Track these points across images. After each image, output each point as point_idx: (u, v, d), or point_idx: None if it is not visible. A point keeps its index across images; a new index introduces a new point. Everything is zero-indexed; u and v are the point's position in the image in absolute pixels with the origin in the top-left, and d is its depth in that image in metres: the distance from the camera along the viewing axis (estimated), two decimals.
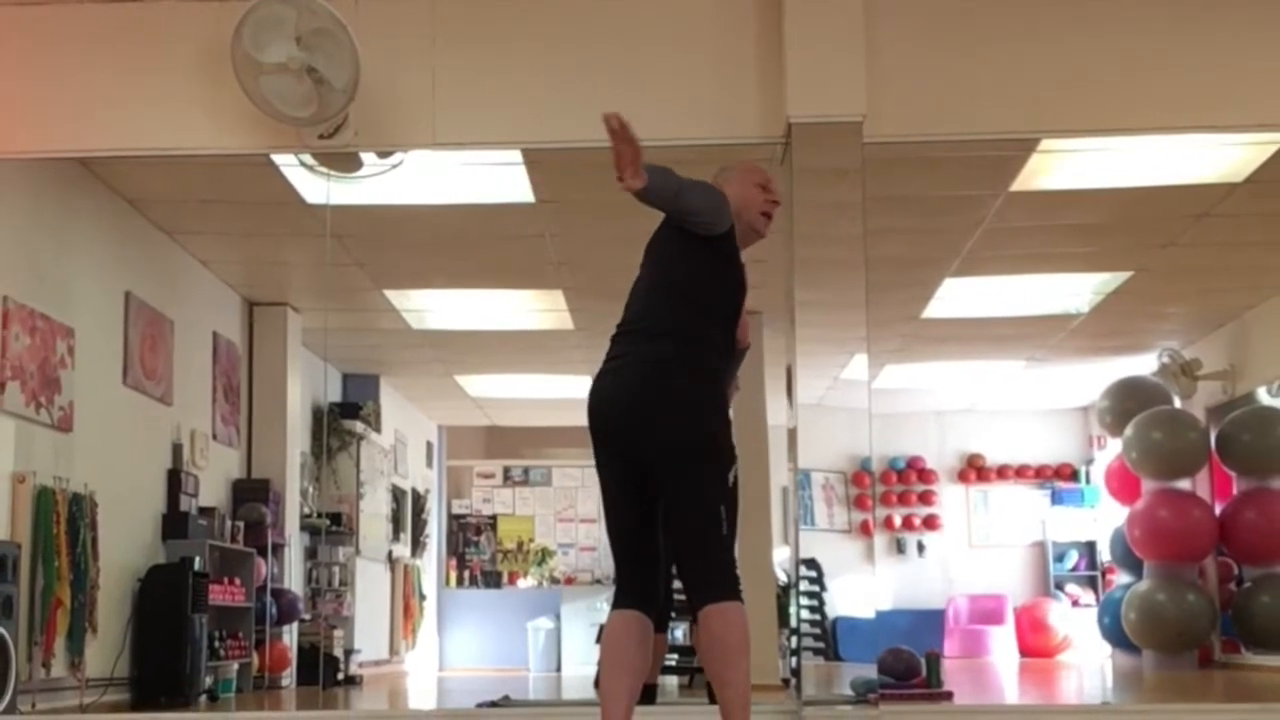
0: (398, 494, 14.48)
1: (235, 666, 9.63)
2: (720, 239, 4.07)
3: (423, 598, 15.24)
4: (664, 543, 4.00)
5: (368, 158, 6.86)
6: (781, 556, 11.20)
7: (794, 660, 6.46)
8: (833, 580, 14.20)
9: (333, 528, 12.00)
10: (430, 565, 15.95)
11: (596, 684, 11.06)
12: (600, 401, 4.02)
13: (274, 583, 10.38)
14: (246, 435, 10.90)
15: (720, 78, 6.23)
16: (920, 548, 16.10)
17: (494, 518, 17.34)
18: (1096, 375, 13.23)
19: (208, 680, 8.98)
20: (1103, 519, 14.78)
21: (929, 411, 15.89)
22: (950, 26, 6.25)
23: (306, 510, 11.70)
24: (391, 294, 10.61)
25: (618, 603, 3.92)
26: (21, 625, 6.85)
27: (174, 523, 9.15)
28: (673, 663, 10.37)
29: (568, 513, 17.23)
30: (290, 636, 10.79)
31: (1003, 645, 14.99)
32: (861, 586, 14.84)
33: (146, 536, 8.96)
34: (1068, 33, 6.22)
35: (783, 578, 10.99)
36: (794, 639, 7.15)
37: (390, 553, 14.10)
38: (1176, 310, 11.68)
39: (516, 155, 7.51)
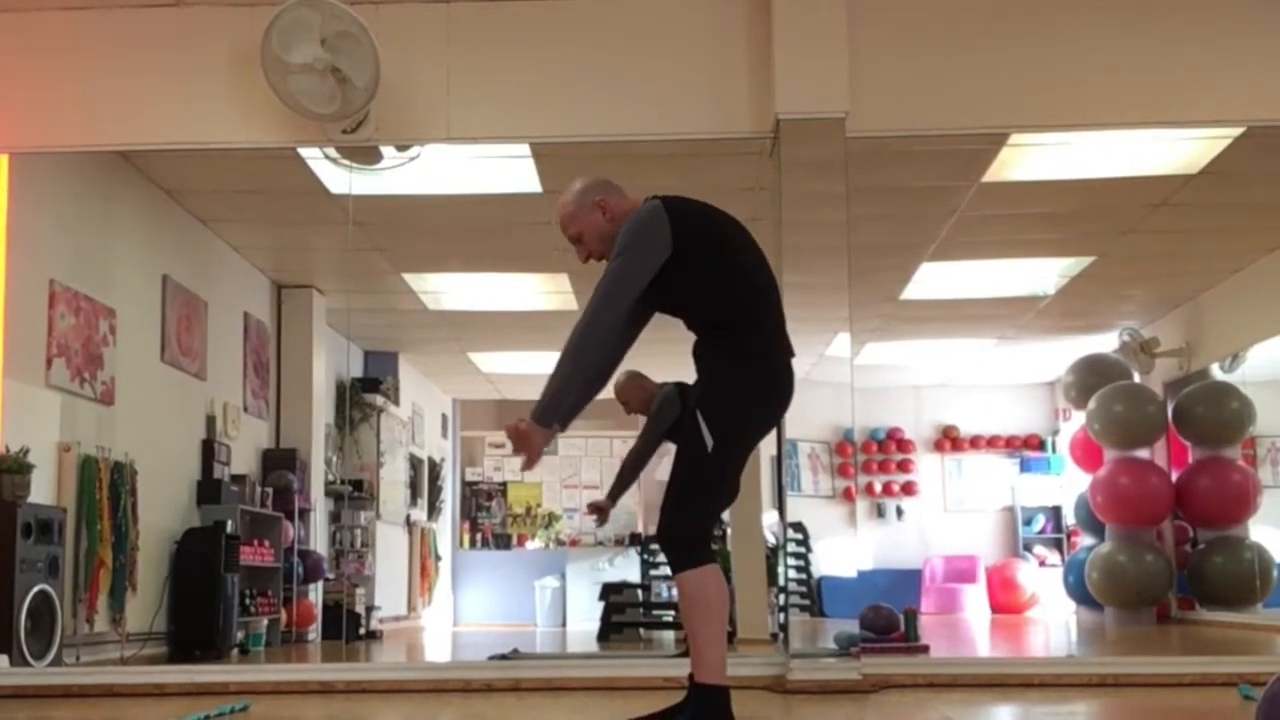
0: (415, 462, 14.49)
1: (265, 622, 9.67)
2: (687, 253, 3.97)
3: (438, 558, 15.25)
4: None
5: (387, 151, 6.86)
6: (770, 520, 11.21)
7: (782, 616, 6.46)
8: (818, 542, 14.20)
9: (355, 493, 12.02)
10: (445, 528, 15.97)
11: (601, 636, 11.10)
12: (789, 389, 3.99)
13: (300, 544, 10.42)
14: (275, 408, 10.92)
15: (713, 77, 6.22)
16: (899, 512, 16.10)
17: (504, 484, 17.34)
18: (1062, 352, 13.23)
19: (239, 635, 9.03)
20: (1067, 485, 14.78)
21: (907, 386, 15.87)
22: (927, 30, 6.25)
23: (330, 477, 11.72)
24: (409, 277, 10.61)
25: (710, 558, 3.79)
26: (67, 584, 6.89)
27: (208, 489, 9.19)
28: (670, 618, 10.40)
29: (572, 480, 17.23)
30: (316, 594, 10.82)
31: (975, 602, 15.01)
32: (844, 548, 14.85)
33: (182, 501, 9.00)
34: (1036, 36, 6.22)
35: (771, 540, 10.99)
36: (782, 597, 7.16)
37: (408, 517, 14.12)
38: (1136, 292, 11.69)
39: (525, 148, 7.50)
